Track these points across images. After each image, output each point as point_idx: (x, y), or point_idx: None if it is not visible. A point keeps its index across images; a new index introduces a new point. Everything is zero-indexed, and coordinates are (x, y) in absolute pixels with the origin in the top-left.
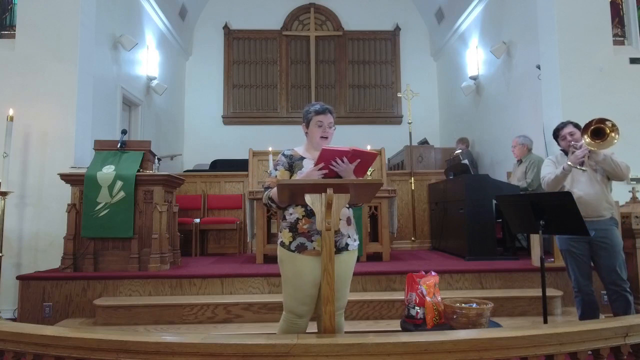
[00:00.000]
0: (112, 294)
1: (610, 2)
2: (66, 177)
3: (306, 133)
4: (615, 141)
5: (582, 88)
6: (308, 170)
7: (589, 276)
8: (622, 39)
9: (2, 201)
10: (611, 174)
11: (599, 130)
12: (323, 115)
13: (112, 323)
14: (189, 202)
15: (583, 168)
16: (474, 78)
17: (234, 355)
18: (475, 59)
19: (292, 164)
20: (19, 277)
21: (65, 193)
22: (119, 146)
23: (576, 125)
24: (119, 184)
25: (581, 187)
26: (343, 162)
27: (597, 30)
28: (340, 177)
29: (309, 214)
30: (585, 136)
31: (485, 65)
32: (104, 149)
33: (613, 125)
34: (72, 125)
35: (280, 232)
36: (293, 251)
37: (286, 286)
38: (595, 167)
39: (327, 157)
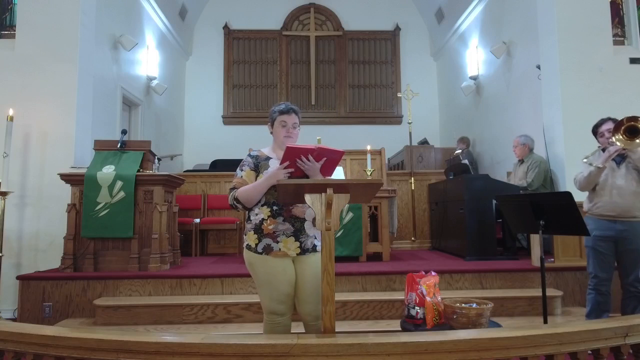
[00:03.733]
0: (112, 294)
1: (610, 2)
2: (66, 177)
3: (271, 133)
4: None
5: (582, 88)
6: (274, 170)
7: (610, 276)
8: (622, 39)
9: (2, 201)
10: None
11: (632, 129)
12: (287, 115)
13: (112, 323)
14: (189, 202)
15: (599, 165)
16: (474, 78)
17: (234, 355)
18: (475, 59)
19: (258, 164)
20: (19, 277)
21: (65, 193)
22: (119, 146)
23: (615, 121)
24: (119, 184)
25: (617, 186)
26: (309, 160)
27: (597, 30)
28: (306, 176)
29: (275, 214)
30: (618, 134)
31: (485, 65)
32: (104, 149)
33: None
34: (72, 125)
35: (245, 234)
36: (260, 253)
37: (261, 288)
38: (634, 167)
39: (292, 155)
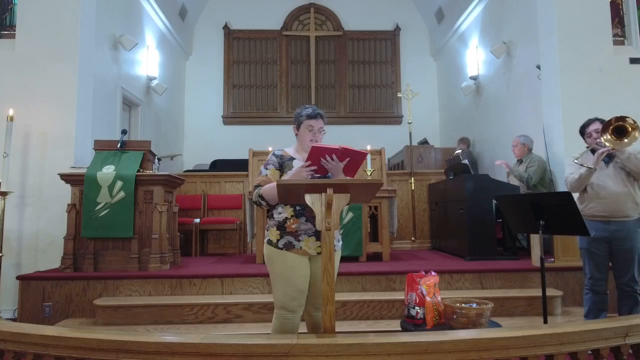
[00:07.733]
0: (112, 294)
1: (610, 2)
2: (66, 177)
3: (296, 135)
4: (637, 138)
5: (582, 88)
6: (297, 168)
7: (605, 276)
8: (622, 39)
9: (2, 201)
10: (636, 172)
11: (620, 129)
12: (314, 119)
13: (112, 323)
14: (189, 202)
15: (590, 166)
16: (474, 78)
17: (234, 355)
18: (475, 59)
19: (283, 164)
20: (19, 277)
21: (65, 193)
22: (119, 146)
23: (603, 122)
24: (119, 184)
25: (607, 186)
26: (332, 159)
27: (597, 30)
28: (329, 175)
29: (298, 214)
30: (606, 134)
31: (485, 65)
32: (104, 149)
33: (634, 122)
34: (72, 125)
35: (267, 230)
36: (281, 249)
37: (276, 283)
38: (622, 166)
39: (316, 155)
